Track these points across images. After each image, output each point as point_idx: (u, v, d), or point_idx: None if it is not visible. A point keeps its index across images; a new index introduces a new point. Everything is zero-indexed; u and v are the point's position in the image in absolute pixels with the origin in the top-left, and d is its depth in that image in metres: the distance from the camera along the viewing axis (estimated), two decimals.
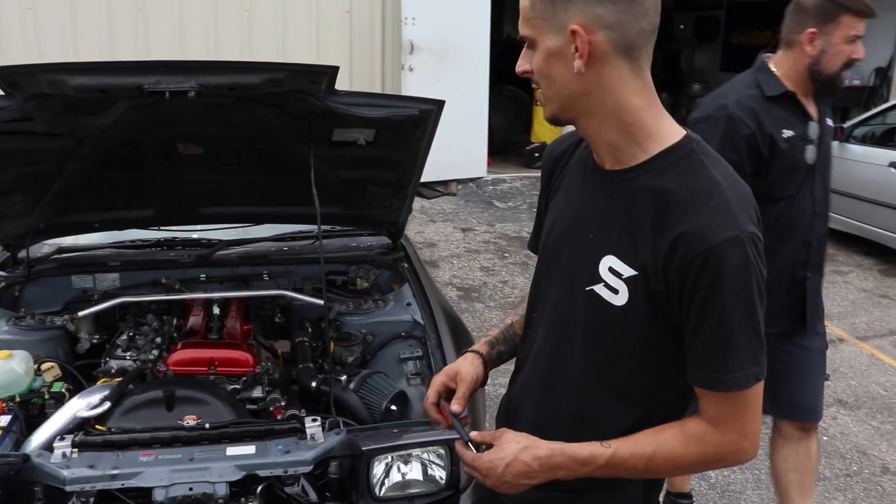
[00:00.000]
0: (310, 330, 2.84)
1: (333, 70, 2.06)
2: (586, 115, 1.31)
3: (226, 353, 2.53)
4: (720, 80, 15.60)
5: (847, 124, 7.44)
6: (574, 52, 1.24)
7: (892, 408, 4.36)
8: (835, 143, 7.16)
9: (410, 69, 8.24)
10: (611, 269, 1.32)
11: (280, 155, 2.59)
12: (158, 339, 2.67)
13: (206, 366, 2.49)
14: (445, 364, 2.46)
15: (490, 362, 1.63)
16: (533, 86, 1.35)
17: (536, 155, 9.63)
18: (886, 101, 10.67)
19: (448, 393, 1.56)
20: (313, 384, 2.44)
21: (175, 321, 2.80)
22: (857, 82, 11.79)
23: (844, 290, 6.30)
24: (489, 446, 1.41)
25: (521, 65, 1.34)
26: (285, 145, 2.50)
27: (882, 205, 6.69)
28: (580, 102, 1.29)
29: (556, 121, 1.35)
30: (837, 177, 7.25)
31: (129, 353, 2.62)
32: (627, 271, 1.30)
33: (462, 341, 2.65)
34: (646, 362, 1.35)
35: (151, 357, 2.56)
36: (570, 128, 1.38)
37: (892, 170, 6.57)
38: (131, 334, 2.72)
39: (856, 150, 7.15)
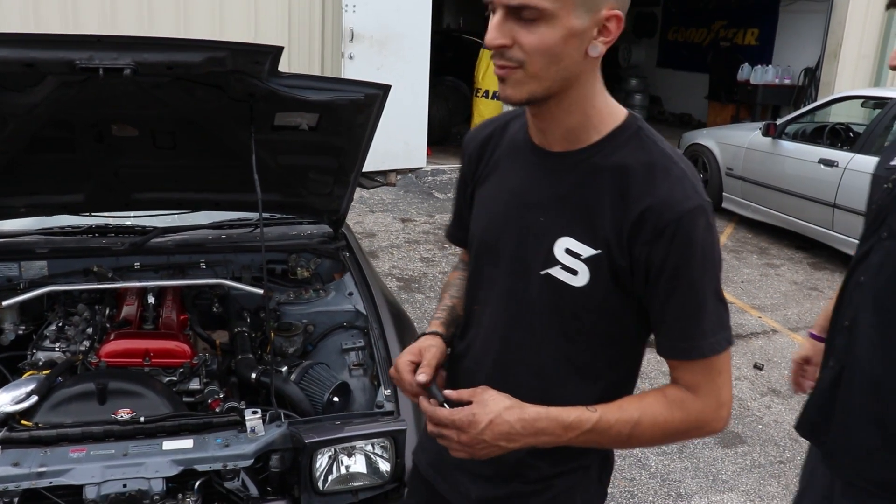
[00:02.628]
0: (249, 320, 2.77)
1: (277, 50, 1.99)
2: (560, 98, 1.26)
3: (161, 344, 2.43)
4: (657, 75, 16.00)
5: (779, 121, 7.63)
6: (596, 35, 1.20)
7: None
8: (767, 140, 7.44)
9: (350, 57, 8.13)
10: (568, 251, 1.30)
11: (219, 139, 2.50)
12: (90, 330, 2.56)
13: (140, 357, 2.39)
14: (389, 354, 2.42)
15: (448, 342, 1.55)
16: (501, 62, 1.22)
17: None
18: (814, 99, 11.00)
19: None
20: (253, 375, 2.37)
21: (108, 311, 2.69)
22: (787, 81, 12.15)
23: (777, 283, 6.46)
24: (464, 405, 1.30)
25: (498, 37, 1.20)
26: (224, 128, 2.42)
27: (812, 200, 6.89)
28: (567, 85, 1.24)
29: (528, 102, 1.26)
30: (770, 172, 7.51)
31: (58, 345, 2.51)
32: (587, 251, 1.29)
33: (405, 331, 2.62)
34: (605, 338, 1.35)
35: (82, 348, 2.45)
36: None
37: (822, 166, 6.76)
38: (60, 325, 2.60)
39: (787, 146, 7.35)
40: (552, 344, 1.36)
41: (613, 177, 1.27)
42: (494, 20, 1.21)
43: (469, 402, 1.29)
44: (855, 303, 1.77)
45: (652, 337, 1.36)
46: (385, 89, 2.27)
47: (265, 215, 3.13)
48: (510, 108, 1.36)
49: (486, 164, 1.48)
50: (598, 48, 1.21)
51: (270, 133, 2.42)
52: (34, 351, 2.48)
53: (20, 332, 2.66)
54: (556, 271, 1.32)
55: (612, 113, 1.32)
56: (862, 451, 1.72)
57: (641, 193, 1.24)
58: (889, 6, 1.79)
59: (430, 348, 1.46)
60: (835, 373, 1.80)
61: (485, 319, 1.46)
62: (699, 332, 1.27)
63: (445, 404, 1.31)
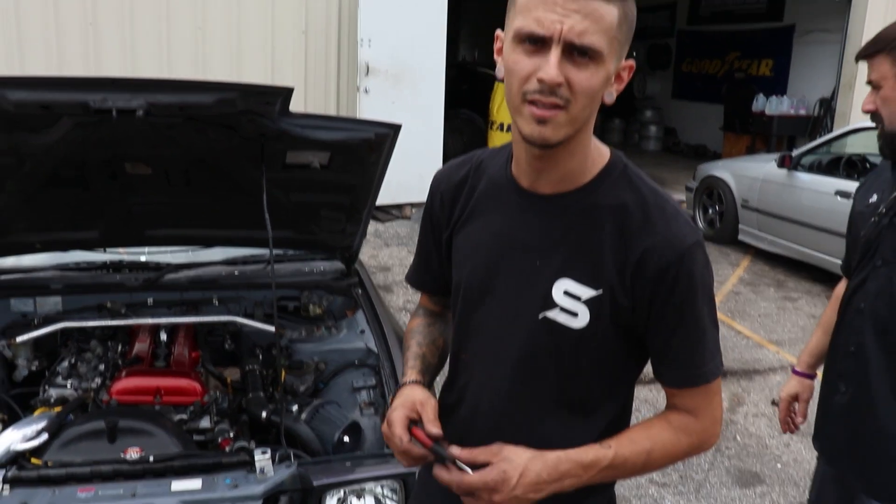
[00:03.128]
0: (261, 357, 2.77)
1: (287, 91, 2.01)
2: (569, 140, 1.25)
3: (172, 382, 2.44)
4: (672, 106, 16.07)
5: (795, 153, 7.61)
6: (613, 81, 1.24)
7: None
8: (783, 171, 7.40)
9: (366, 91, 8.21)
10: (567, 293, 1.30)
11: (231, 176, 2.52)
12: (102, 367, 2.57)
13: (151, 395, 2.40)
14: None
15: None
16: (549, 100, 1.17)
17: None
18: (830, 130, 10.97)
19: (411, 423, 1.41)
20: (263, 414, 2.37)
21: (120, 348, 2.70)
22: (802, 112, 12.14)
23: (794, 317, 6.39)
24: (481, 466, 1.28)
25: (559, 76, 1.15)
26: (237, 167, 2.43)
27: (829, 232, 6.83)
28: (581, 130, 1.25)
29: (562, 142, 1.23)
30: (786, 204, 7.46)
31: (70, 381, 2.52)
32: (587, 292, 1.29)
33: None
34: (605, 375, 1.37)
35: (94, 385, 2.46)
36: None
37: (838, 198, 6.72)
38: (73, 361, 2.62)
39: (804, 178, 7.31)
40: (551, 385, 1.36)
41: (609, 217, 1.29)
42: (553, 58, 1.15)
43: (486, 463, 1.28)
44: (857, 329, 1.89)
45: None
46: (395, 128, 2.29)
47: (277, 252, 3.14)
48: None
49: (463, 208, 1.45)
50: (613, 94, 1.24)
51: (282, 171, 2.43)
52: (46, 387, 2.49)
53: (33, 368, 2.67)
54: (554, 314, 1.31)
55: (599, 152, 1.34)
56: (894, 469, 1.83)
57: (640, 233, 1.27)
58: (858, 58, 1.87)
59: (428, 401, 1.40)
60: (848, 397, 1.91)
61: (476, 367, 1.44)
62: (701, 360, 1.33)
63: (467, 468, 1.28)
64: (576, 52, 1.16)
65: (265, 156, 2.28)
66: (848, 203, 7.17)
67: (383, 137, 2.29)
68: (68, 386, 2.50)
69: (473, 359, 1.45)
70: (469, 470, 1.29)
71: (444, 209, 1.50)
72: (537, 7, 1.15)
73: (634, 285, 1.27)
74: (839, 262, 6.88)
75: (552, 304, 1.31)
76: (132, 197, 2.65)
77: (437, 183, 1.53)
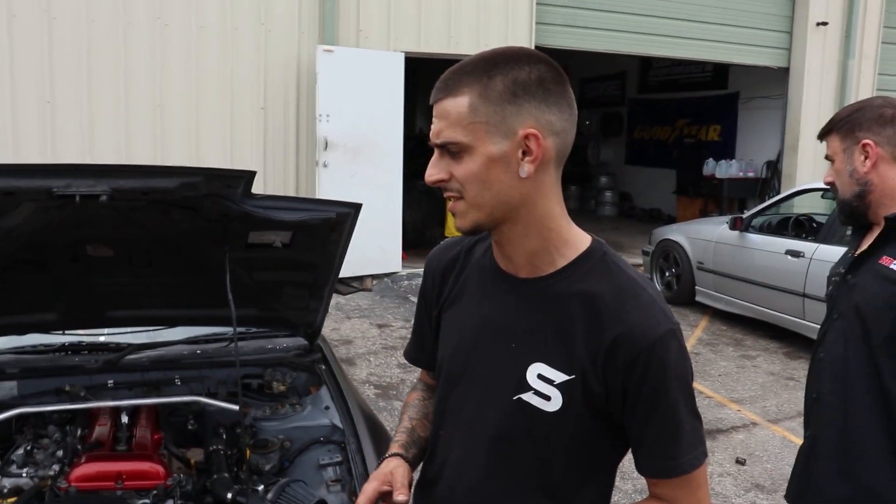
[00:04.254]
0: (224, 437, 2.73)
1: (250, 175, 2.05)
2: (513, 222, 1.30)
3: (134, 466, 2.39)
4: (626, 172, 16.50)
5: (745, 215, 7.84)
6: (521, 156, 1.25)
7: None
8: (735, 233, 7.62)
9: (325, 165, 8.29)
10: (540, 376, 1.32)
11: (194, 256, 2.53)
12: (60, 453, 2.50)
13: (112, 480, 2.34)
14: (367, 470, 2.40)
15: (411, 463, 1.54)
16: (447, 195, 1.31)
17: None
18: (778, 191, 11.34)
19: (383, 495, 1.44)
20: (229, 495, 2.32)
21: (79, 432, 2.63)
22: (751, 174, 12.54)
23: (754, 374, 6.49)
24: None
25: (435, 174, 1.30)
26: (199, 247, 2.45)
27: (782, 290, 7.01)
28: (512, 209, 1.29)
29: (476, 230, 1.32)
30: (739, 265, 7.67)
31: (25, 470, 2.44)
32: (560, 377, 1.31)
33: (382, 445, 2.58)
34: (581, 460, 1.36)
35: (52, 473, 2.39)
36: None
37: (789, 257, 6.92)
38: (29, 448, 2.55)
39: (755, 239, 7.52)
40: (527, 468, 1.37)
41: (583, 303, 1.30)
42: (433, 159, 1.31)
43: None
44: (818, 377, 2.11)
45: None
46: (356, 207, 2.33)
47: (241, 329, 3.13)
48: None
49: (452, 288, 1.50)
50: (526, 168, 1.26)
51: (244, 251, 2.45)
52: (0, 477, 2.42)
53: None
54: (528, 396, 1.33)
55: (575, 238, 1.36)
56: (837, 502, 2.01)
57: (613, 320, 1.27)
58: (820, 136, 2.10)
59: (398, 469, 1.45)
60: (809, 441, 2.12)
61: (454, 444, 1.46)
62: (677, 451, 1.31)
63: None
64: (446, 150, 1.28)
65: (228, 236, 2.30)
66: (798, 262, 7.40)
67: (344, 217, 2.34)
68: (24, 475, 2.43)
69: (451, 437, 1.47)
70: None
71: (434, 288, 1.55)
72: None
73: (606, 372, 1.28)
74: (794, 319, 7.13)
75: (526, 387, 1.33)
76: (93, 278, 2.64)
77: (430, 263, 1.58)
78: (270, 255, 2.52)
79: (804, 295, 6.70)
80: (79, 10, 7.65)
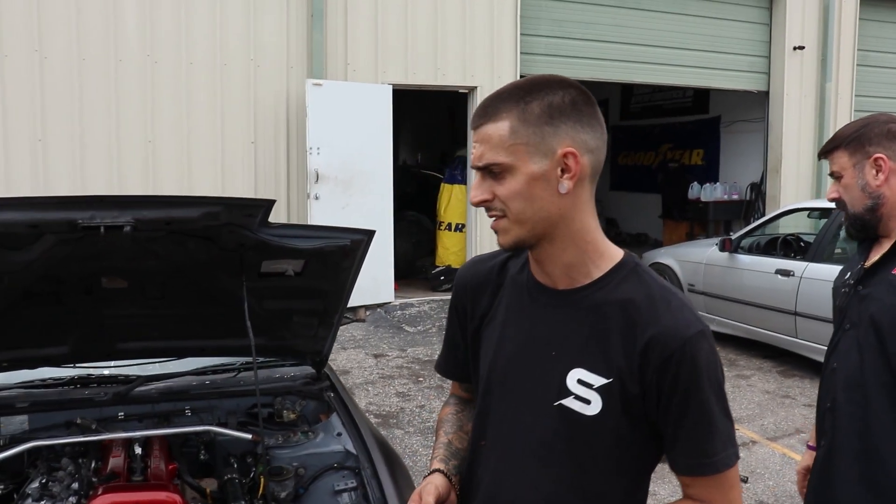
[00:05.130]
0: (236, 466, 2.74)
1: (269, 203, 2.10)
2: (552, 237, 1.38)
3: (152, 496, 2.39)
4: (611, 198, 16.57)
5: (734, 236, 7.94)
6: (560, 174, 1.34)
7: None
8: (724, 254, 7.71)
9: (316, 197, 8.34)
10: (580, 381, 1.38)
11: (206, 287, 2.56)
12: (76, 485, 2.51)
13: None
14: (383, 494, 2.42)
15: (451, 475, 1.59)
16: (491, 213, 1.39)
17: (442, 278, 9.78)
18: (763, 212, 11.49)
19: None
20: None
21: (93, 464, 2.64)
22: (735, 197, 12.70)
23: (749, 394, 6.55)
24: None
25: (479, 195, 1.38)
26: (213, 277, 2.49)
27: (773, 309, 7.10)
28: (552, 224, 1.37)
29: (518, 246, 1.40)
30: (730, 285, 7.75)
31: (42, 503, 2.45)
32: (598, 381, 1.37)
33: (396, 469, 2.61)
34: (620, 464, 1.41)
35: None
36: (486, 251, 1.46)
37: (779, 276, 7.01)
38: (44, 481, 2.55)
39: (744, 259, 7.62)
40: (566, 475, 1.41)
41: (619, 310, 1.37)
42: (475, 182, 1.39)
43: None
44: (831, 386, 2.14)
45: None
46: (370, 234, 2.39)
47: (249, 359, 3.15)
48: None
49: (490, 304, 1.56)
50: (565, 185, 1.35)
51: (257, 280, 2.49)
52: None
53: (0, 491, 2.59)
54: (569, 402, 1.39)
55: (609, 251, 1.44)
56: None
57: (647, 324, 1.35)
58: (823, 154, 2.16)
59: (427, 485, 1.50)
60: (826, 450, 2.14)
61: (495, 454, 1.50)
62: (711, 450, 1.36)
63: None
64: (488, 172, 1.37)
65: (243, 265, 2.34)
66: (788, 281, 7.50)
67: (358, 243, 2.39)
68: None
69: (493, 446, 1.51)
70: None
71: (469, 302, 1.60)
72: None
73: (642, 373, 1.35)
74: (785, 337, 7.20)
75: (567, 392, 1.39)
76: (105, 310, 2.66)
77: (462, 277, 1.64)
78: (282, 284, 2.55)
79: (795, 313, 6.79)
80: (70, 49, 7.70)
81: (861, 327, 2.06)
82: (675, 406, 1.34)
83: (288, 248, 2.27)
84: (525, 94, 1.34)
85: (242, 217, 2.11)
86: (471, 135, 1.42)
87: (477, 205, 1.39)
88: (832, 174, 2.13)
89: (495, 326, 1.54)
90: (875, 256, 2.11)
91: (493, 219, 1.39)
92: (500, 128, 1.34)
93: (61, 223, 1.95)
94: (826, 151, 2.15)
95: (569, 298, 1.43)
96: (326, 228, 2.44)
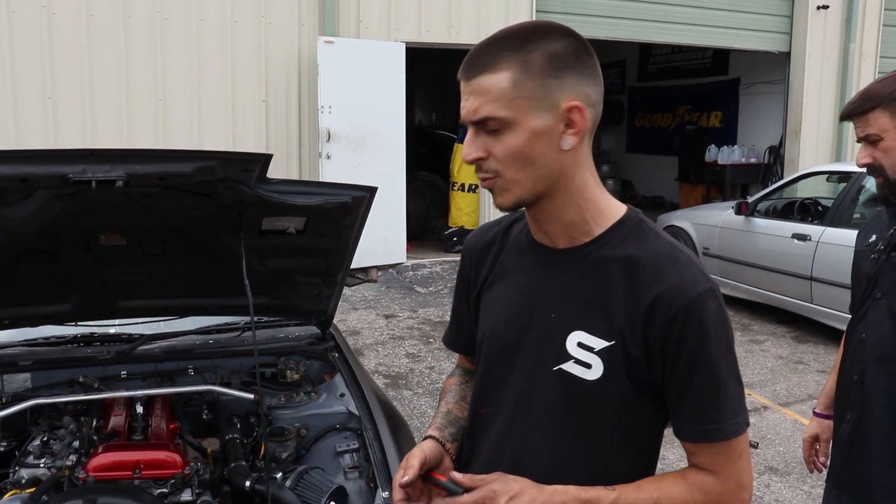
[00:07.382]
0: (239, 426, 2.72)
1: (266, 158, 2.03)
2: (552, 194, 1.30)
3: (151, 455, 2.38)
4: (627, 160, 16.43)
5: (750, 200, 7.81)
6: (563, 129, 1.25)
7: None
8: (740, 218, 7.60)
9: (328, 157, 8.27)
10: (580, 344, 1.31)
11: (206, 245, 2.51)
12: (76, 443, 2.49)
13: (130, 470, 2.33)
14: (385, 456, 2.38)
15: (445, 442, 1.51)
16: (482, 175, 1.29)
17: (455, 239, 9.72)
18: (780, 176, 11.31)
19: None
20: (247, 483, 2.32)
21: (95, 422, 2.63)
22: (753, 160, 12.51)
23: (762, 359, 6.48)
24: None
25: (472, 152, 1.27)
26: (213, 235, 2.43)
27: (788, 274, 7.00)
28: (552, 182, 1.28)
29: (517, 205, 1.31)
30: (745, 249, 7.65)
31: (42, 460, 2.43)
32: (599, 343, 1.30)
33: (399, 431, 2.58)
34: (621, 433, 1.34)
35: (69, 463, 2.38)
36: (492, 216, 1.37)
37: (795, 241, 6.90)
38: (45, 439, 2.54)
39: (761, 223, 7.51)
40: (568, 442, 1.35)
41: (621, 268, 1.29)
42: (467, 137, 1.28)
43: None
44: (860, 357, 1.99)
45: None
46: (372, 191, 2.31)
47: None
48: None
49: (490, 269, 1.49)
50: (569, 141, 1.26)
51: (258, 238, 2.43)
52: (17, 468, 2.41)
53: (2, 448, 2.58)
54: (569, 366, 1.32)
55: (610, 207, 1.35)
56: (891, 489, 1.91)
57: (651, 282, 1.27)
58: (846, 117, 1.95)
59: (414, 450, 1.43)
60: (853, 424, 2.01)
61: (496, 421, 1.45)
62: (719, 415, 1.28)
63: (463, 491, 1.28)
64: (482, 127, 1.25)
65: (242, 223, 2.28)
66: (805, 245, 7.38)
67: (359, 200, 2.32)
68: (41, 465, 2.42)
69: (494, 412, 1.45)
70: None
71: (472, 270, 1.54)
72: None
73: (646, 335, 1.26)
74: (800, 302, 7.05)
75: (567, 357, 1.32)
76: (106, 268, 2.62)
77: (468, 245, 1.57)
78: (283, 242, 2.50)
79: (811, 278, 6.69)
80: (78, 6, 7.62)
81: (893, 295, 1.91)
82: (680, 369, 1.26)
83: (287, 204, 2.20)
84: (524, 41, 1.23)
85: (239, 172, 2.04)
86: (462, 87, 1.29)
87: (470, 162, 1.29)
88: (867, 137, 1.91)
89: (494, 291, 1.47)
90: None
91: (485, 179, 1.30)
92: (499, 80, 1.23)
93: (52, 177, 1.89)
94: (861, 112, 1.90)
95: (569, 257, 1.35)
96: (327, 185, 2.37)
